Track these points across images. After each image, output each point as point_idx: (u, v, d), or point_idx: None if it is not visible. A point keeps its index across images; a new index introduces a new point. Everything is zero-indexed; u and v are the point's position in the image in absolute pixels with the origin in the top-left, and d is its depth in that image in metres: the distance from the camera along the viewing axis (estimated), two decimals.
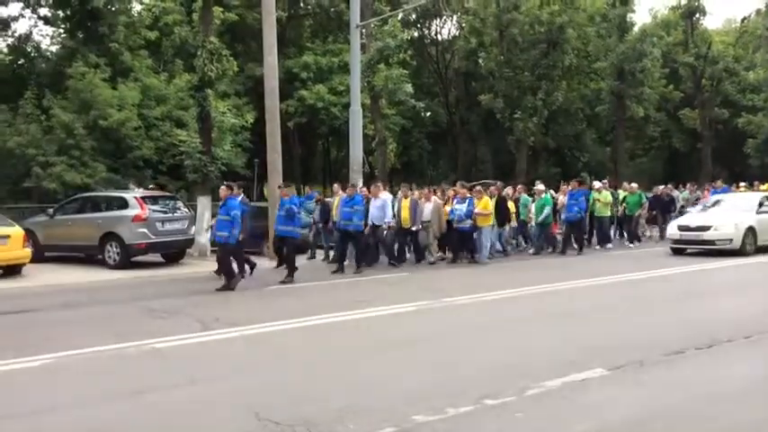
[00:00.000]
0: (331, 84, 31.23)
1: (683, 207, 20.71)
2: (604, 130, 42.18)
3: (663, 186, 21.48)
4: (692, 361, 6.46)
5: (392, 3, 32.35)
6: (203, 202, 17.02)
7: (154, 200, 15.30)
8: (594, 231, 18.24)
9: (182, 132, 22.96)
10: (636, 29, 36.84)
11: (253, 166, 28.79)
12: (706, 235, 15.56)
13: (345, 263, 13.76)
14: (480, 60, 35.60)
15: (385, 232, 14.68)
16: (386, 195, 14.93)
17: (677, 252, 16.13)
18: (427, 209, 14.90)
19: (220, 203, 11.78)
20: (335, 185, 16.15)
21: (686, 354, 6.64)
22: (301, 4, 35.59)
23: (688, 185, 23.62)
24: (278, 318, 8.53)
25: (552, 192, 18.17)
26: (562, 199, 17.25)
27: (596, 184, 18.75)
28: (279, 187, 13.03)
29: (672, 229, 16.50)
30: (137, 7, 27.99)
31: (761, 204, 16.48)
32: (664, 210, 20.03)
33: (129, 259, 14.43)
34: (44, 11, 27.80)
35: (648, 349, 6.76)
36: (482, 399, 5.28)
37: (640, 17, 48.77)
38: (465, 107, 41.75)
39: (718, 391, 5.57)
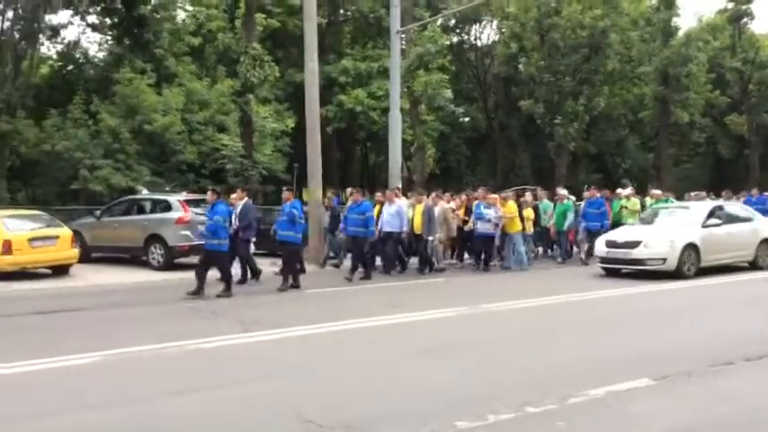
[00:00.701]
0: (370, 89, 31.34)
1: None
2: (647, 136, 41.41)
3: (693, 193, 20.77)
4: (741, 372, 6.30)
5: (432, 8, 32.35)
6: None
7: (196, 203, 15.55)
8: None
9: (223, 137, 23.34)
10: (681, 33, 36.10)
11: (292, 170, 29.07)
12: (635, 253, 12.94)
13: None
14: (520, 65, 35.33)
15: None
16: (401, 201, 14.45)
17: (611, 273, 13.47)
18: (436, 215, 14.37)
19: (208, 208, 11.47)
20: (377, 194, 15.56)
21: (735, 365, 6.48)
22: (341, 11, 35.83)
23: (723, 193, 22.41)
24: (317, 321, 8.58)
25: (573, 198, 17.50)
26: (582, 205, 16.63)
27: (623, 191, 18.02)
28: (287, 190, 12.58)
29: (599, 245, 13.90)
30: (181, 15, 28.59)
31: (711, 215, 13.91)
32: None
33: (172, 261, 14.67)
34: (92, 18, 28.58)
35: (695, 360, 6.62)
36: (524, 406, 5.23)
37: (685, 21, 47.80)
38: (504, 112, 41.47)
39: None
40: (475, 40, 42.76)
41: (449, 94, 24.67)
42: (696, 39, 34.50)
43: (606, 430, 4.91)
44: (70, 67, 29.60)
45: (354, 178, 45.29)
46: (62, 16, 28.22)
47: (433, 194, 15.18)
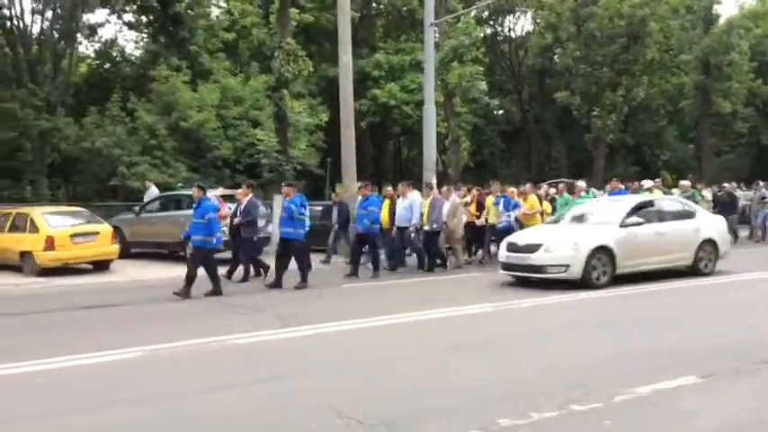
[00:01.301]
0: (403, 82, 31.22)
1: (760, 205, 19.49)
2: (687, 127, 40.50)
3: (726, 184, 20.14)
4: None
5: (465, 1, 32.07)
6: (279, 201, 17.30)
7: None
8: None
9: (258, 132, 23.48)
10: (722, 21, 35.16)
11: (325, 165, 29.17)
12: (534, 258, 10.86)
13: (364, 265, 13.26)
14: (555, 57, 34.83)
15: (413, 234, 13.77)
16: (414, 195, 14.15)
17: (521, 281, 11.44)
18: (444, 209, 13.82)
19: (194, 205, 11.21)
20: (388, 188, 15.03)
21: None
22: (374, 4, 35.75)
23: (761, 183, 21.25)
24: (355, 316, 8.55)
25: (594, 190, 17.10)
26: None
27: (646, 183, 17.25)
28: (286, 185, 12.09)
29: (501, 248, 12.10)
30: (214, 11, 28.83)
31: (633, 212, 11.64)
32: (724, 210, 18.02)
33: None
34: (128, 17, 29.05)
35: (742, 357, 6.42)
36: (568, 404, 5.11)
37: (726, 8, 46.57)
38: (539, 104, 40.99)
39: None
40: (509, 31, 42.34)
41: (483, 86, 24.43)
42: (738, 26, 33.55)
43: (654, 429, 4.74)
44: (107, 66, 30.16)
45: (387, 172, 45.30)
46: (99, 15, 28.83)
47: (445, 188, 14.83)
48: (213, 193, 15.90)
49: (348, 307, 9.67)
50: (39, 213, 13.69)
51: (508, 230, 13.65)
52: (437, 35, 22.43)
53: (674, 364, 6.20)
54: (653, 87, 35.16)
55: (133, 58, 30.31)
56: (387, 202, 13.97)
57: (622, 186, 15.98)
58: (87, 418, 5.02)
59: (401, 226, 13.63)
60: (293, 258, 11.53)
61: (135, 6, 28.18)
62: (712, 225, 12.66)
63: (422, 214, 13.71)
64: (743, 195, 20.12)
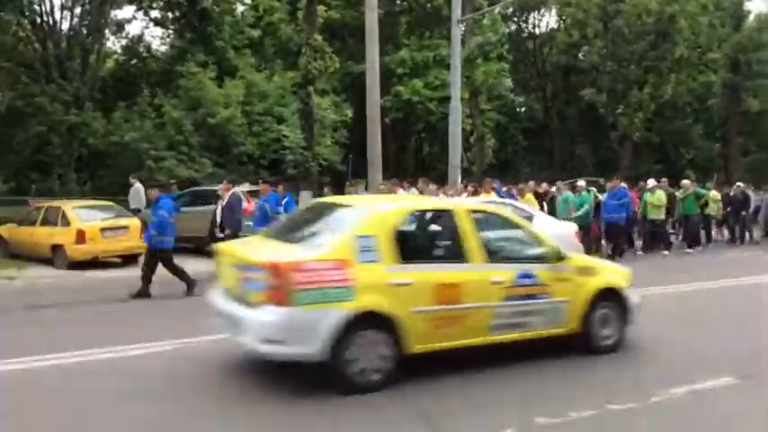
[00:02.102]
0: (426, 79, 31.15)
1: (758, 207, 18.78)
2: (714, 125, 39.95)
3: (741, 184, 19.39)
4: None
5: None
6: (305, 197, 17.39)
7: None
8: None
9: (283, 128, 23.56)
10: (751, 17, 34.66)
11: (348, 161, 29.22)
12: None
13: None
14: (581, 54, 34.55)
15: None
16: (403, 193, 13.37)
17: None
18: None
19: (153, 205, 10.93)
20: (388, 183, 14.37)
21: None
22: (398, 1, 35.69)
23: None
24: None
25: (594, 189, 16.21)
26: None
27: (649, 182, 16.75)
28: (263, 182, 11.93)
29: None
30: (240, 8, 28.99)
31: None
32: (735, 210, 18.07)
33: None
34: (155, 13, 29.34)
35: None
36: (605, 404, 5.11)
37: (756, 5, 45.84)
38: (563, 102, 40.70)
39: None
40: (533, 28, 42.07)
41: (509, 83, 24.31)
42: None
43: (692, 430, 4.73)
44: (134, 61, 30.47)
45: (409, 169, 45.29)
46: (126, 11, 29.10)
47: (433, 186, 14.13)
48: (240, 189, 16.05)
49: None
50: (70, 207, 13.85)
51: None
52: (462, 32, 22.32)
53: (710, 365, 6.16)
54: (680, 85, 34.73)
55: (159, 53, 30.61)
56: None
57: (624, 185, 15.62)
58: (127, 408, 5.12)
59: None
60: None
61: (162, 3, 28.47)
62: (554, 234, 9.04)
63: None
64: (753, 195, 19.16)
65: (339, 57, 25.51)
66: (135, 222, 14.07)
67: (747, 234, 18.45)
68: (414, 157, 46.20)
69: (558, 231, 9.30)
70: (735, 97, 33.24)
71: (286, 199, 12.67)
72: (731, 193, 18.41)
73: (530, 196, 14.07)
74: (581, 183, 15.64)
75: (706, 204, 17.34)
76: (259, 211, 11.07)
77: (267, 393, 5.42)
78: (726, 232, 18.59)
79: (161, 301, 9.98)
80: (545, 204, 15.67)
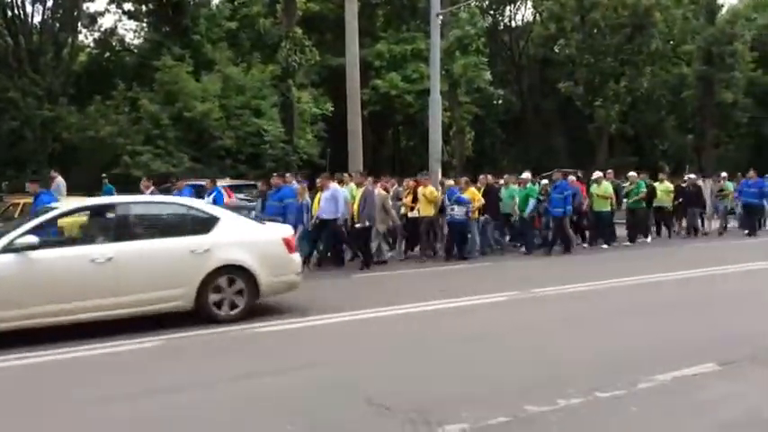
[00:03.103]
0: (404, 72, 31.16)
1: (718, 197, 18.34)
2: (686, 117, 40.56)
3: (692, 175, 19.01)
4: None
5: None
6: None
7: (239, 189, 15.67)
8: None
9: (262, 122, 23.46)
10: (724, 11, 35.22)
11: (325, 155, 29.16)
12: None
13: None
14: (557, 47, 34.81)
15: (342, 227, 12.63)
16: (336, 186, 12.89)
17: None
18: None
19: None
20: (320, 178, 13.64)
21: None
22: None
23: (723, 175, 19.58)
24: (372, 305, 8.59)
25: (541, 182, 15.67)
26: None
27: (595, 174, 16.29)
28: (211, 181, 12.06)
29: None
30: (215, 1, 28.74)
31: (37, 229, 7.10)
32: (688, 203, 17.63)
33: None
34: (128, 6, 28.96)
35: (758, 344, 6.51)
36: (593, 391, 5.18)
37: None
38: (539, 95, 41.00)
39: None
40: (510, 21, 42.28)
41: (488, 76, 24.40)
42: (741, 16, 33.63)
43: (681, 417, 4.82)
44: (107, 55, 30.07)
45: (386, 162, 45.34)
46: (99, 4, 28.84)
47: (370, 179, 13.68)
48: (221, 183, 15.95)
49: (365, 296, 9.71)
50: None
51: (459, 225, 13.27)
52: (441, 25, 22.32)
53: (692, 352, 6.27)
54: (655, 77, 35.20)
55: (133, 47, 30.23)
56: (317, 194, 12.98)
57: (563, 177, 15.14)
58: (126, 405, 5.08)
59: (323, 218, 12.48)
60: None
61: None
62: (245, 244, 7.88)
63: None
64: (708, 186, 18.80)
65: (317, 50, 25.45)
66: None
67: (701, 226, 18.14)
68: (392, 150, 46.26)
69: (248, 239, 7.95)
70: (708, 89, 33.75)
71: (214, 194, 12.86)
72: (683, 185, 17.98)
73: (472, 189, 13.82)
74: (526, 175, 15.28)
75: (654, 196, 16.80)
76: None
77: None
78: (681, 224, 18.14)
79: None
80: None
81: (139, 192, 12.51)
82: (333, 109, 25.86)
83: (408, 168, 37.10)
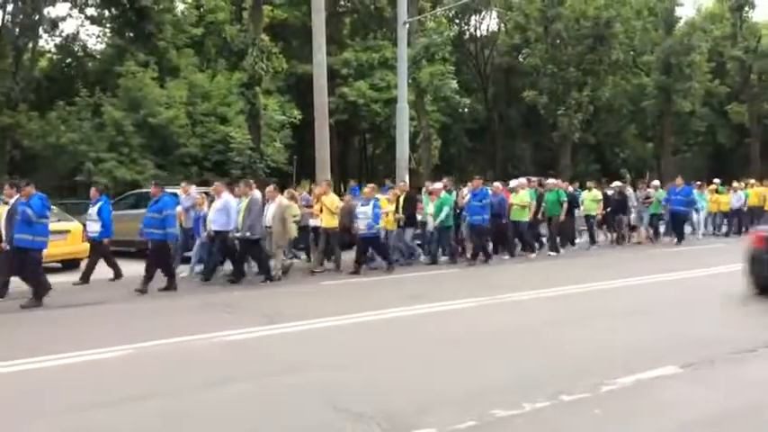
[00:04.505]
0: (371, 80, 31.28)
1: (645, 205, 18.24)
2: (646, 126, 41.54)
3: (618, 183, 18.91)
4: (765, 359, 6.35)
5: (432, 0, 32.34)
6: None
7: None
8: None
9: (226, 128, 23.30)
10: (682, 22, 36.23)
11: (292, 162, 29.08)
12: None
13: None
14: (522, 57, 35.38)
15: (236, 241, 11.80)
16: (228, 196, 12.04)
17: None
18: (270, 211, 12.10)
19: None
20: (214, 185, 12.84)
21: (757, 352, 6.53)
22: (341, 2, 35.73)
23: (654, 183, 19.62)
24: (339, 312, 8.60)
25: (464, 190, 15.38)
26: (463, 200, 14.59)
27: (512, 182, 15.84)
28: (155, 185, 11.30)
29: None
30: (180, 6, 28.49)
31: None
32: (614, 210, 17.51)
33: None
34: (91, 11, 28.53)
35: (716, 347, 6.67)
36: (557, 394, 5.27)
37: (686, 11, 47.98)
38: (504, 103, 41.51)
39: None
40: (475, 30, 42.75)
41: (454, 84, 24.65)
42: (698, 28, 34.62)
43: (643, 418, 4.93)
44: (69, 60, 29.56)
45: (353, 170, 45.35)
46: (61, 9, 28.22)
47: (270, 188, 12.88)
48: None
49: (330, 304, 9.72)
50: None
51: (372, 238, 12.64)
52: (408, 33, 22.52)
53: (654, 355, 6.43)
54: (616, 87, 36.04)
55: (96, 52, 29.77)
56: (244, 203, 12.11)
57: (483, 185, 14.74)
58: (83, 416, 4.99)
59: (215, 230, 11.73)
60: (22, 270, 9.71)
61: (98, 0, 27.69)
62: None
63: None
64: (632, 195, 18.60)
65: (284, 57, 25.38)
66: (76, 226, 13.68)
67: (627, 235, 17.98)
68: (358, 158, 46.30)
69: None
70: (667, 99, 34.63)
71: (100, 203, 12.01)
72: (609, 193, 17.79)
73: (384, 198, 13.52)
74: (438, 185, 14.85)
75: (575, 204, 16.58)
76: (21, 216, 9.41)
77: None
78: (610, 234, 17.98)
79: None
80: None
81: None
82: (301, 116, 25.80)
83: (376, 176, 37.26)
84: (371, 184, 14.11)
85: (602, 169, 39.02)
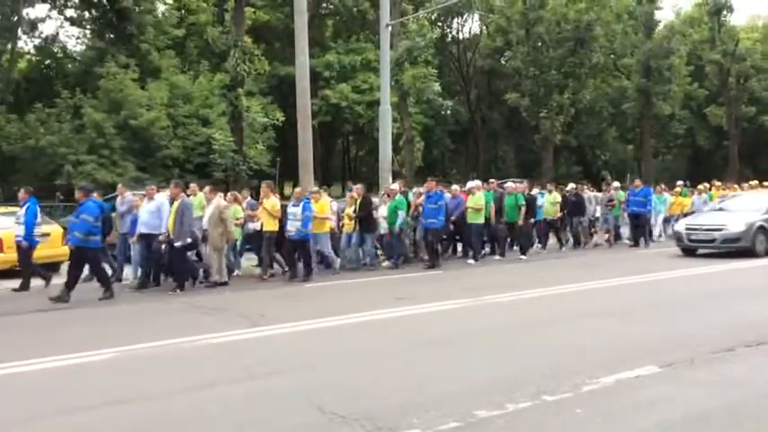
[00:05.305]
0: (354, 82, 31.30)
1: (608, 207, 18.07)
2: (627, 128, 41.99)
3: (573, 185, 18.77)
4: (744, 358, 6.43)
5: (415, 2, 32.41)
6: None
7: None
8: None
9: (208, 130, 23.19)
10: (661, 26, 36.68)
11: (276, 164, 29.01)
12: None
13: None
14: (503, 60, 35.60)
15: (163, 246, 11.17)
16: (162, 198, 11.55)
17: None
18: (207, 213, 11.65)
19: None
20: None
21: (737, 351, 6.61)
22: (323, 4, 35.75)
23: (615, 185, 19.50)
24: (323, 315, 8.61)
25: (418, 190, 15.03)
26: (417, 201, 14.30)
27: (469, 183, 15.41)
28: (79, 189, 10.72)
29: None
30: (161, 8, 28.32)
31: None
32: (571, 212, 17.31)
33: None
34: (70, 12, 28.27)
35: (695, 347, 6.73)
36: (540, 394, 5.30)
37: (666, 14, 48.52)
38: (487, 105, 41.75)
39: None
40: (457, 33, 42.95)
41: (437, 87, 24.75)
42: (677, 31, 35.09)
43: (624, 417, 4.98)
44: (48, 62, 29.26)
45: (336, 172, 45.35)
46: (39, 10, 27.90)
47: (207, 188, 12.39)
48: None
49: (312, 306, 9.72)
50: None
51: (300, 242, 12.04)
52: (391, 36, 22.57)
53: (634, 355, 6.50)
54: (597, 90, 36.40)
55: (76, 54, 29.49)
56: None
57: (438, 187, 14.34)
58: (69, 419, 4.96)
59: (145, 233, 11.28)
60: None
61: (78, 1, 27.45)
62: None
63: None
64: (591, 197, 18.41)
65: (266, 59, 25.33)
66: (56, 230, 13.54)
67: (583, 238, 17.75)
68: (342, 160, 46.30)
69: None
70: (646, 102, 35.03)
71: (28, 204, 11.69)
72: (566, 196, 17.53)
73: (322, 201, 13.13)
74: (394, 186, 14.60)
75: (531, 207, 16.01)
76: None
77: None
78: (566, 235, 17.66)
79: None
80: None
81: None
82: (283, 118, 25.76)
83: (359, 179, 37.26)
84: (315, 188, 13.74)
85: (584, 171, 39.42)
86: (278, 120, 25.90)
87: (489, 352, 6.84)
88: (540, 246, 17.12)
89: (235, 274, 12.62)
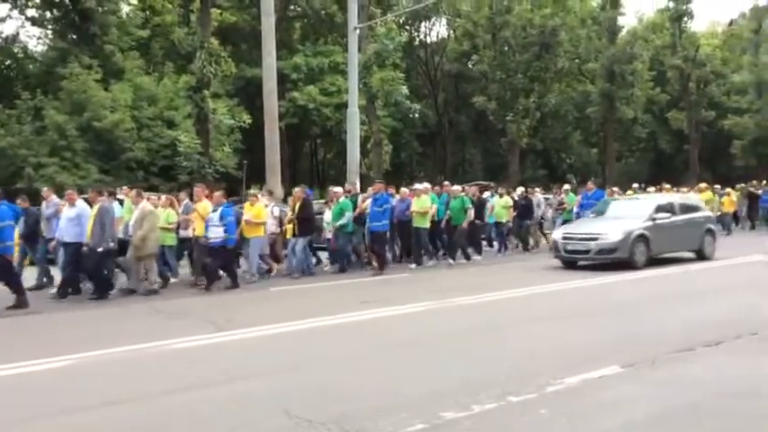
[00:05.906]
0: (322, 85, 31.25)
1: (558, 212, 17.90)
2: (591, 132, 42.67)
3: (521, 188, 18.69)
4: (704, 358, 6.57)
5: (383, 5, 32.54)
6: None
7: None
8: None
9: (173, 133, 22.91)
10: (624, 31, 37.38)
11: (242, 167, 28.80)
12: None
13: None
14: (470, 64, 35.93)
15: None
16: (82, 204, 11.03)
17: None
18: (133, 218, 11.18)
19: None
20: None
21: (696, 351, 6.75)
22: (291, 6, 35.62)
23: (565, 188, 19.30)
24: (289, 318, 8.56)
25: (363, 195, 14.73)
26: (363, 205, 14.06)
27: (417, 186, 14.97)
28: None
29: None
30: (125, 8, 27.91)
31: None
32: (519, 216, 17.22)
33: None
34: (31, 12, 27.70)
35: (656, 347, 6.85)
36: (505, 395, 5.35)
37: (629, 20, 49.45)
38: (454, 109, 42.04)
39: (740, 386, 5.63)
40: (425, 36, 43.18)
41: (405, 90, 24.87)
42: (640, 37, 35.78)
43: (588, 416, 5.05)
44: (8, 62, 28.62)
45: (304, 175, 45.19)
46: None
47: (132, 192, 12.03)
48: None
49: (279, 310, 9.67)
50: None
51: (220, 248, 11.45)
52: (358, 39, 22.60)
53: (598, 356, 6.60)
54: (562, 94, 36.94)
55: (37, 54, 28.90)
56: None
57: (385, 190, 14.17)
58: (31, 426, 4.88)
59: (66, 241, 10.72)
60: None
61: (39, 1, 26.90)
62: None
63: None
64: (540, 201, 18.21)
65: (232, 60, 25.13)
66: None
67: (532, 241, 17.61)
68: (309, 163, 46.13)
69: None
70: (610, 106, 35.65)
71: None
72: (516, 199, 17.40)
73: (258, 205, 12.70)
74: (337, 189, 14.40)
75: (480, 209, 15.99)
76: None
77: None
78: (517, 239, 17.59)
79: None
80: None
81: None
82: (250, 121, 25.58)
83: (327, 181, 37.18)
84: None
85: (549, 174, 39.94)
86: (245, 122, 25.71)
87: (455, 354, 6.87)
88: (496, 249, 16.96)
89: (172, 281, 12.14)
